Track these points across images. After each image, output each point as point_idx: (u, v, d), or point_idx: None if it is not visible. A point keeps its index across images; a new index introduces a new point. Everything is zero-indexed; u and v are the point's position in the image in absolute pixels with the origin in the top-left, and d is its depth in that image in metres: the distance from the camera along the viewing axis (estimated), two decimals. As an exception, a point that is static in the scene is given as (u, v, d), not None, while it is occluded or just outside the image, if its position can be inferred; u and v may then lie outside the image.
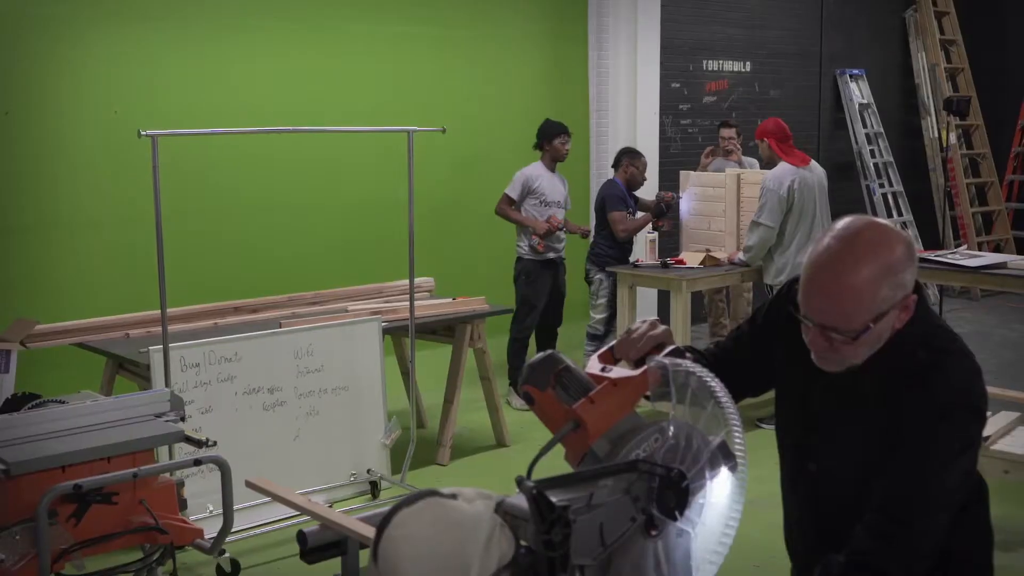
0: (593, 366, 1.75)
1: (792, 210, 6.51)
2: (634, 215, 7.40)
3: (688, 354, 2.16)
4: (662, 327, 1.88)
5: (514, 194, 7.19)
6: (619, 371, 1.70)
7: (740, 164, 8.00)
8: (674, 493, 1.54)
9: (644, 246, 7.27)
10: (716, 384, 1.63)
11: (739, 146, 8.17)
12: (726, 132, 8.21)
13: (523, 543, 1.45)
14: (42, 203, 6.89)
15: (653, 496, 1.52)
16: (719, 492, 1.60)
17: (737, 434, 1.62)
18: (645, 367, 1.70)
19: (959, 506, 1.95)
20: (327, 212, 8.10)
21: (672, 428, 1.57)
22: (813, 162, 6.79)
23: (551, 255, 7.25)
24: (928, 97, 11.93)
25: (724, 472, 1.61)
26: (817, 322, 1.91)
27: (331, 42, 8.07)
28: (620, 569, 1.51)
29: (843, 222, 1.94)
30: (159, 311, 4.69)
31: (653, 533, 1.53)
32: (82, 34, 6.94)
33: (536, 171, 7.25)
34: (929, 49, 11.92)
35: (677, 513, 1.54)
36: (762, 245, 6.61)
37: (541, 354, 1.72)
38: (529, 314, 7.20)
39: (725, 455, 1.61)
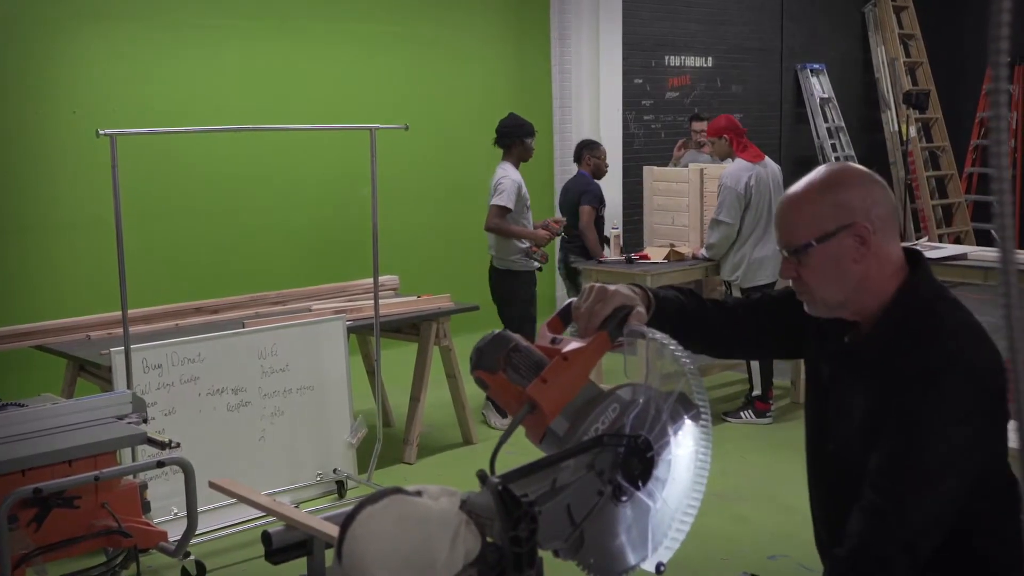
0: (544, 337, 1.70)
1: (749, 206, 6.54)
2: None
3: (681, 296, 2.11)
4: (612, 289, 1.80)
5: (511, 204, 6.45)
6: (570, 342, 1.66)
7: (712, 156, 8.04)
8: (639, 460, 1.53)
9: (610, 242, 7.29)
10: (672, 342, 1.62)
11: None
12: (697, 125, 8.26)
13: (489, 539, 1.43)
14: (1, 205, 6.80)
15: (619, 463, 1.51)
16: (685, 446, 1.59)
17: (696, 385, 1.61)
18: (595, 335, 1.68)
19: (963, 485, 1.85)
20: (290, 211, 8.06)
21: (633, 394, 1.56)
22: (767, 158, 6.81)
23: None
24: (888, 91, 12.04)
25: (688, 425, 1.59)
26: (778, 243, 2.01)
27: (293, 40, 8.03)
28: (593, 541, 1.50)
29: None
30: (120, 312, 4.64)
31: (624, 499, 1.52)
32: (41, 34, 6.87)
33: (517, 174, 6.62)
34: (888, 43, 12.03)
35: (640, 483, 1.52)
36: (723, 241, 6.64)
37: (489, 335, 1.66)
38: (531, 328, 6.59)
39: (686, 406, 1.59)
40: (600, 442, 1.49)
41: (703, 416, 1.60)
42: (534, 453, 1.56)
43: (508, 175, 6.57)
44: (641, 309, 1.80)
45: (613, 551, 1.53)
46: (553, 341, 1.68)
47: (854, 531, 1.87)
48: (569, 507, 1.47)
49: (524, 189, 6.60)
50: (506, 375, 1.62)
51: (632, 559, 1.54)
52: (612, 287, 1.81)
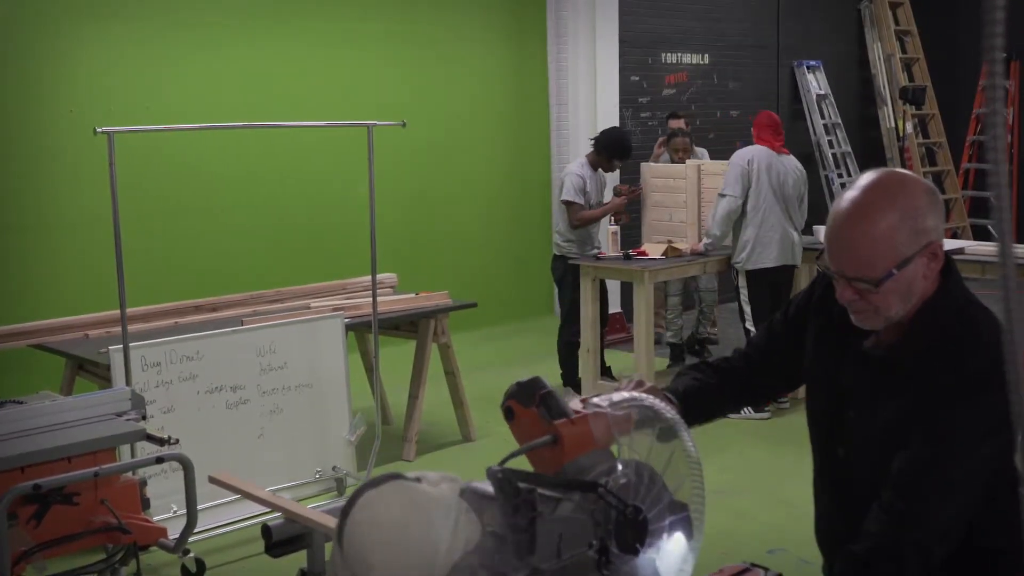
0: (575, 404, 1.76)
1: (752, 187, 6.58)
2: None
3: (697, 374, 2.24)
4: (648, 385, 1.90)
5: (579, 199, 6.97)
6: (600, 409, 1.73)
7: (693, 153, 8.05)
8: (632, 530, 1.56)
9: (607, 238, 7.30)
10: (686, 435, 1.67)
11: (689, 134, 8.21)
12: (674, 123, 8.24)
13: (488, 528, 1.44)
14: (-3, 205, 6.81)
15: (612, 533, 1.53)
16: (673, 551, 1.63)
17: (697, 489, 1.65)
18: (628, 409, 1.72)
19: (985, 492, 1.86)
20: (288, 209, 8.06)
21: (628, 466, 1.59)
22: (791, 155, 6.86)
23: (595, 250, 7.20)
24: (884, 87, 12.04)
25: (679, 536, 1.63)
26: (841, 272, 1.91)
27: (290, 38, 8.03)
28: None
29: (864, 174, 1.96)
30: (118, 311, 4.64)
31: (605, 573, 1.54)
32: (38, 33, 6.86)
33: (584, 171, 7.04)
34: (884, 40, 12.03)
35: (638, 546, 1.55)
36: (727, 216, 6.65)
37: (528, 376, 1.73)
38: (579, 315, 6.97)
39: (686, 528, 1.63)
40: (594, 488, 1.52)
41: (696, 532, 1.63)
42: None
43: (573, 170, 7.09)
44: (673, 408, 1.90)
45: None
46: (584, 406, 1.74)
47: (872, 531, 1.86)
48: (561, 536, 1.49)
49: (588, 185, 7.02)
50: (538, 411, 1.68)
51: None
52: (648, 385, 1.92)
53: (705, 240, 6.91)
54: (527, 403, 1.68)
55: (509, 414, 1.71)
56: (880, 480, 1.91)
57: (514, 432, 1.71)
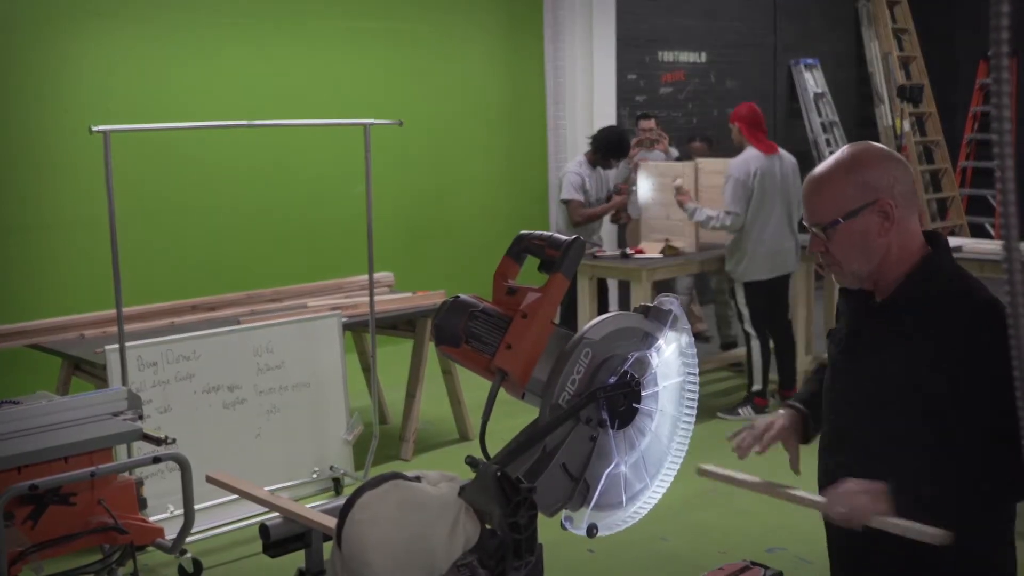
0: (499, 288, 1.65)
1: (752, 199, 6.44)
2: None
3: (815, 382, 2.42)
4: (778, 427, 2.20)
5: (580, 196, 7.09)
6: (527, 292, 1.61)
7: (667, 154, 8.01)
8: (625, 396, 1.50)
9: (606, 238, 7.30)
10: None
11: (664, 135, 8.17)
12: (645, 124, 8.20)
13: (488, 526, 1.42)
14: (-7, 204, 6.79)
15: (607, 417, 1.48)
16: (670, 376, 1.57)
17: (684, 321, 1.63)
18: (550, 277, 1.62)
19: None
20: (285, 209, 8.04)
21: (602, 330, 1.53)
22: (783, 152, 6.66)
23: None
24: (881, 85, 12.03)
25: (672, 347, 1.57)
26: (805, 221, 2.17)
27: (286, 38, 8.02)
28: (596, 481, 1.48)
29: None
30: (115, 310, 4.62)
31: (617, 429, 1.50)
32: (37, 32, 6.84)
33: (582, 170, 7.14)
34: (882, 38, 12.03)
35: (619, 421, 1.50)
36: (724, 226, 6.47)
37: (445, 305, 1.61)
38: (573, 315, 7.01)
39: (661, 318, 1.58)
40: (594, 397, 1.47)
41: (683, 325, 1.58)
42: (519, 425, 1.54)
43: (571, 169, 7.20)
44: None
45: (616, 481, 1.51)
46: (509, 292, 1.63)
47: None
48: (565, 465, 1.45)
49: (588, 183, 7.12)
50: (470, 346, 1.57)
51: (636, 486, 1.52)
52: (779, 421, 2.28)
53: (720, 215, 6.51)
54: (456, 342, 1.57)
55: (448, 357, 1.61)
56: (882, 426, 2.06)
57: (464, 367, 1.62)
